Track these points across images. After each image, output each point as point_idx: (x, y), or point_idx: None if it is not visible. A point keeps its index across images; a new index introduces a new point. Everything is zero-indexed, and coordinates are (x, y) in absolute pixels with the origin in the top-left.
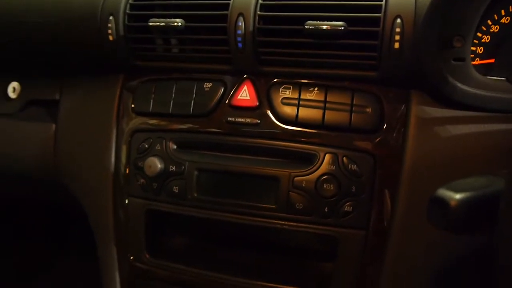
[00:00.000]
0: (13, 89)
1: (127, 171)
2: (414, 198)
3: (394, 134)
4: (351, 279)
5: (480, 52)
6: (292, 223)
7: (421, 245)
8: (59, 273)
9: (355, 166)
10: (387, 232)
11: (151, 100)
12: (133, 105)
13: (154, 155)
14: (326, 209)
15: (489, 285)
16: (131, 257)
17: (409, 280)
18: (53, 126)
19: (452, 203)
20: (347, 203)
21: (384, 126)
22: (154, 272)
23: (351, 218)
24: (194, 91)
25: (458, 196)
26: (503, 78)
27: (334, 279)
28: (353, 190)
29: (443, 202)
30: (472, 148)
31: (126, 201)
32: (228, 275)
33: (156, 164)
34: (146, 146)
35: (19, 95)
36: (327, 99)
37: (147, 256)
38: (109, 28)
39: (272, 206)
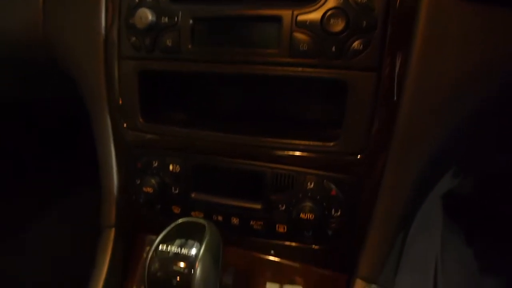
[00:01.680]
0: None
1: (118, 30)
2: (433, 31)
3: None
4: (363, 125)
5: None
6: (296, 68)
7: (439, 94)
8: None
9: None
10: (402, 73)
11: None
12: None
13: (145, 7)
14: (333, 48)
15: None
16: (125, 124)
17: (427, 125)
18: None
19: None
20: (357, 41)
21: None
22: (149, 138)
23: (362, 58)
24: None
25: None
26: None
27: (345, 126)
28: (364, 25)
29: None
30: None
31: (118, 64)
32: (227, 133)
33: (147, 15)
34: (137, 0)
35: None
36: None
37: (141, 121)
38: None
39: (274, 50)
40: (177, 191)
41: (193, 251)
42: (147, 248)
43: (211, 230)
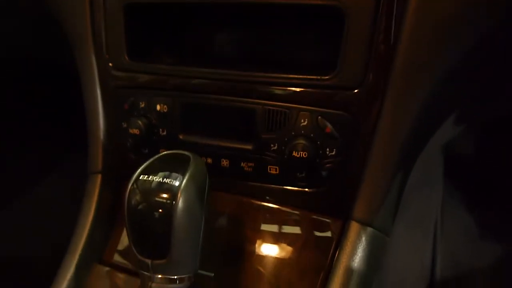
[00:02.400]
0: None
1: None
2: None
3: None
4: (361, 56)
5: None
6: None
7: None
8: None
9: None
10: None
11: None
12: None
13: None
14: None
15: None
16: (111, 64)
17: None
18: None
19: None
20: None
21: None
22: (136, 77)
23: None
24: None
25: None
26: None
27: (341, 56)
28: None
29: None
30: None
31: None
32: (217, 69)
33: None
34: None
35: None
36: None
37: (127, 59)
38: None
39: None
40: (164, 133)
41: (176, 181)
42: None
43: (196, 161)
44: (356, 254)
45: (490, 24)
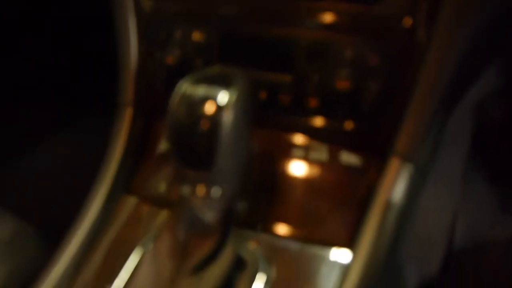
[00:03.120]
0: None
1: None
2: None
3: None
4: None
5: None
6: None
7: None
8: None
9: None
10: None
11: None
12: None
13: None
14: None
15: None
16: None
17: None
18: None
19: None
20: None
21: None
22: (171, 5)
23: None
24: None
25: None
26: None
27: None
28: None
29: None
30: None
31: None
32: None
33: None
34: None
35: None
36: None
37: None
38: None
39: None
40: (200, 63)
41: (224, 95)
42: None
43: (243, 78)
44: (395, 190)
45: None
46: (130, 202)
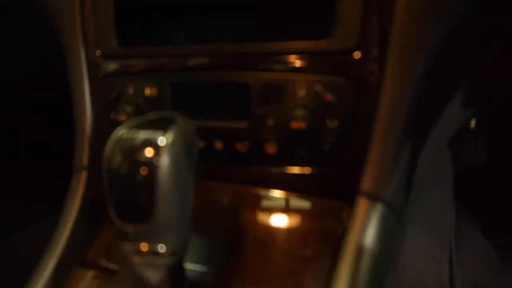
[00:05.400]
0: None
1: None
2: None
3: None
4: (357, 19)
5: None
6: None
7: None
8: None
9: None
10: None
11: None
12: None
13: None
14: None
15: None
16: (98, 52)
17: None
18: None
19: None
20: None
21: None
22: (124, 63)
23: None
24: None
25: None
26: None
27: (337, 17)
28: None
29: None
30: None
31: None
32: (207, 43)
33: None
34: None
35: None
36: None
37: (116, 44)
38: None
39: None
40: None
41: (161, 137)
42: None
43: (183, 120)
44: (366, 233)
45: None
46: (84, 274)
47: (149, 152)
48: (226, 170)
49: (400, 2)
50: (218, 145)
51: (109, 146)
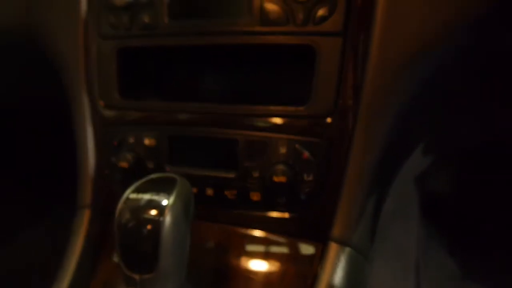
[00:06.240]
0: None
1: (98, 12)
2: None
3: None
4: (332, 88)
5: None
6: (267, 37)
7: (402, 49)
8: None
9: None
10: (366, 38)
11: None
12: None
13: None
14: (301, 16)
15: None
16: (102, 103)
17: (392, 86)
18: None
19: None
20: (323, 7)
21: None
22: (126, 114)
23: (328, 23)
24: None
25: None
26: None
27: (314, 88)
28: None
29: None
30: None
31: (97, 43)
32: (201, 103)
33: None
34: None
35: None
36: None
37: (119, 97)
38: None
39: (246, 20)
40: (152, 166)
41: (164, 199)
42: None
43: (182, 182)
44: (335, 274)
45: (450, 50)
46: None
47: (153, 212)
48: (215, 213)
49: (367, 80)
50: (209, 191)
51: (119, 205)
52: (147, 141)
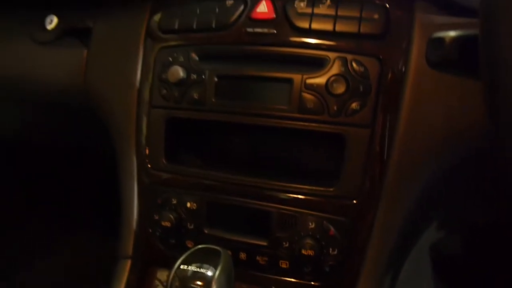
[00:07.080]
0: (50, 21)
1: (151, 84)
2: (418, 96)
3: (400, 40)
4: (358, 173)
5: None
6: (303, 123)
7: (424, 142)
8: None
9: (363, 68)
10: (391, 131)
11: (177, 20)
12: (160, 25)
13: (177, 65)
14: (335, 108)
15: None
16: (149, 165)
17: (413, 174)
18: (85, 51)
19: (447, 39)
20: (355, 102)
21: (390, 32)
22: (170, 178)
23: (359, 116)
24: (217, 9)
25: (452, 33)
26: None
27: (343, 174)
28: (361, 89)
29: (439, 39)
30: None
31: (149, 112)
32: (238, 175)
33: (178, 71)
34: (171, 59)
35: (56, 26)
36: (338, 11)
37: (165, 162)
38: None
39: (285, 107)
40: (192, 226)
41: (210, 272)
42: (156, 281)
43: (225, 255)
44: None
45: (468, 146)
46: None
47: (200, 282)
48: (247, 275)
49: (391, 166)
50: (243, 255)
51: (171, 274)
52: (188, 204)
